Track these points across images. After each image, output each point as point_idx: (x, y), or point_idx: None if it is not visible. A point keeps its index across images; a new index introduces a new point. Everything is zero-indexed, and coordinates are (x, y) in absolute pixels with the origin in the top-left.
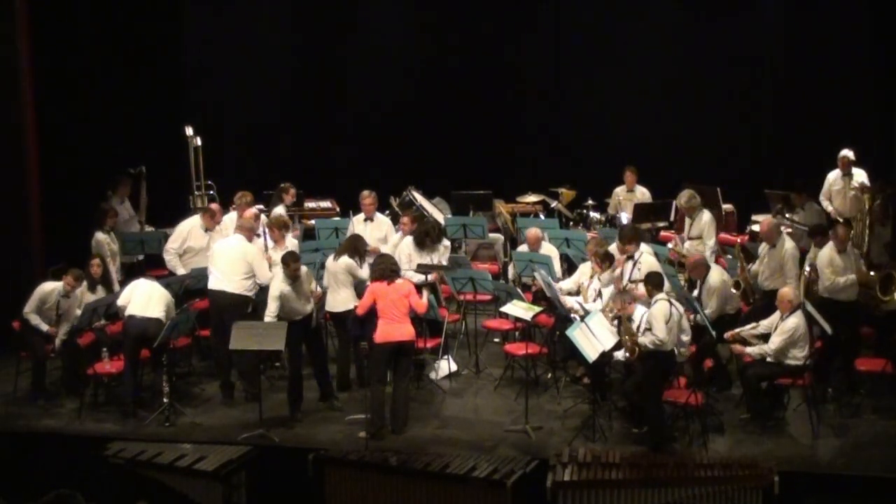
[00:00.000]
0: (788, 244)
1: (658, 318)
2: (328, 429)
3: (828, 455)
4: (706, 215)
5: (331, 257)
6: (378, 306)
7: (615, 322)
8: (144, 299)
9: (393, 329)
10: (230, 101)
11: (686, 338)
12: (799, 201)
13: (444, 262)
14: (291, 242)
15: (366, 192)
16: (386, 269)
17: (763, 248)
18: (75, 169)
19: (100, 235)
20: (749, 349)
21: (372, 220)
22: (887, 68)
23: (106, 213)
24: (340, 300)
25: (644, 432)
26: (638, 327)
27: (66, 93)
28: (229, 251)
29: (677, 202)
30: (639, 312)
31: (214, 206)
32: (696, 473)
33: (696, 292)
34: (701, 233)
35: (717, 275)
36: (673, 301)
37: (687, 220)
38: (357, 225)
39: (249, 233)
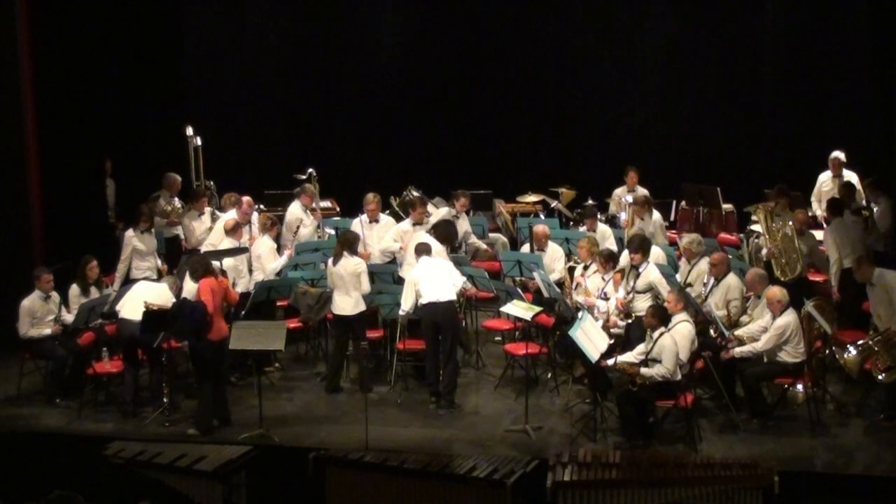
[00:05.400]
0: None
1: (668, 353)
2: (328, 429)
3: (828, 455)
4: (704, 264)
5: (330, 260)
6: (215, 303)
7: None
8: (134, 302)
9: (224, 325)
10: (230, 100)
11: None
12: (779, 207)
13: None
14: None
15: (370, 196)
16: (208, 264)
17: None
18: (76, 169)
19: (129, 233)
20: (737, 349)
21: (377, 221)
22: (885, 69)
23: (141, 214)
24: (352, 303)
25: (642, 442)
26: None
27: (65, 92)
28: None
29: (681, 243)
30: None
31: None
32: (696, 473)
33: (708, 287)
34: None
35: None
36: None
37: (683, 263)
38: (363, 227)
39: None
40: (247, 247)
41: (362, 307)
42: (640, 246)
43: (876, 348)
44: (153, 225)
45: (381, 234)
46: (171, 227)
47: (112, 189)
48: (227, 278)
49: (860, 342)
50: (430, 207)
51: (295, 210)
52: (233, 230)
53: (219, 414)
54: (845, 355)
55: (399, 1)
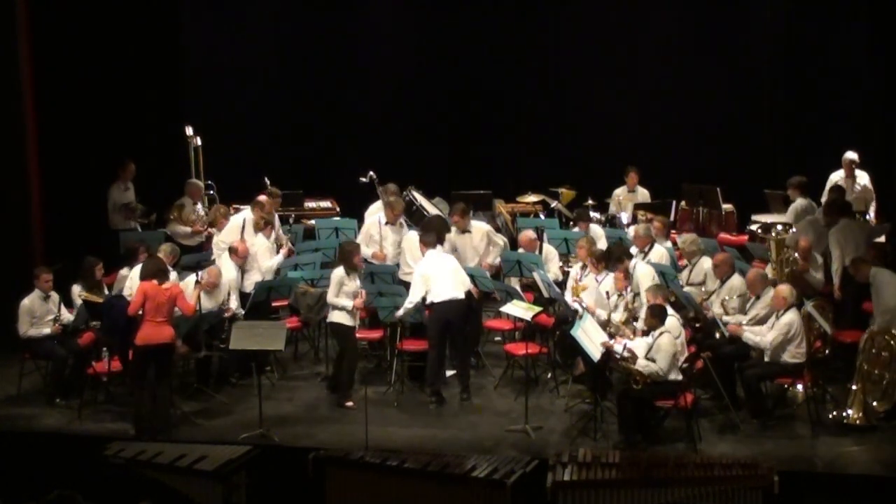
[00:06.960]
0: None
1: (663, 353)
2: (328, 429)
3: (828, 455)
4: (707, 262)
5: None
6: (146, 307)
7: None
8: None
9: (154, 332)
10: (230, 101)
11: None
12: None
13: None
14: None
15: (397, 200)
16: (157, 269)
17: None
18: (75, 169)
19: (123, 272)
20: (746, 334)
21: (394, 223)
22: (888, 69)
23: (136, 251)
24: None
25: (642, 442)
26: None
27: (66, 93)
28: None
29: (681, 244)
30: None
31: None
32: (696, 473)
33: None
34: (702, 279)
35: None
36: (677, 317)
37: (686, 264)
38: (381, 228)
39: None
40: (214, 258)
41: (326, 312)
42: (619, 257)
43: (865, 391)
44: None
45: (397, 236)
46: (195, 236)
47: (132, 192)
48: (179, 286)
49: (850, 408)
50: (429, 207)
51: (374, 211)
52: (233, 251)
53: (154, 420)
54: (852, 418)
55: (399, 1)
